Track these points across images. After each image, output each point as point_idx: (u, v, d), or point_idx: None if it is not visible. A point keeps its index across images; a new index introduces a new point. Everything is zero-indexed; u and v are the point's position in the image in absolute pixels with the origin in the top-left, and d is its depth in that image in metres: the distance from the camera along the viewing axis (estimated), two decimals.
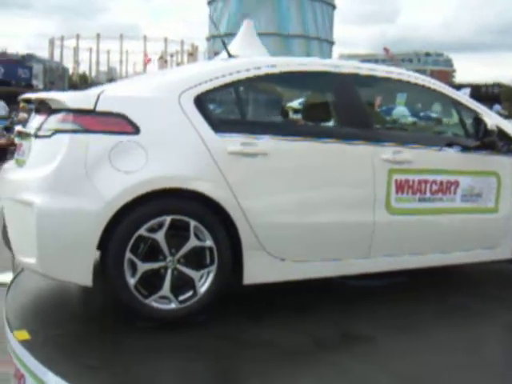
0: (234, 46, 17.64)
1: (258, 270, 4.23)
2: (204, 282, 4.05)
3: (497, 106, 46.96)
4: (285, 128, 4.60)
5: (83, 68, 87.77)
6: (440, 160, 4.92)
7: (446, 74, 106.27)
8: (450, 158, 4.95)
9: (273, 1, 69.32)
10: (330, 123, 5.01)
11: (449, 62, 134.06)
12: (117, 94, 4.26)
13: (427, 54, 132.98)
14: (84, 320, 4.19)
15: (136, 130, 3.94)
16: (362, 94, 4.93)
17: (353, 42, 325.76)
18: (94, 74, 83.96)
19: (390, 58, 54.73)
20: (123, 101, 4.11)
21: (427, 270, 5.06)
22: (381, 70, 5.11)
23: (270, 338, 3.94)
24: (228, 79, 4.34)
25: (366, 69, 5.01)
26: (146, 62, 49.41)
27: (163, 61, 59.36)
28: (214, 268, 4.05)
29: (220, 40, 6.06)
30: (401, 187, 4.66)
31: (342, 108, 4.78)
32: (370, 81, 5.16)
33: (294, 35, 70.25)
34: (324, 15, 75.29)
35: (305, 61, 5.03)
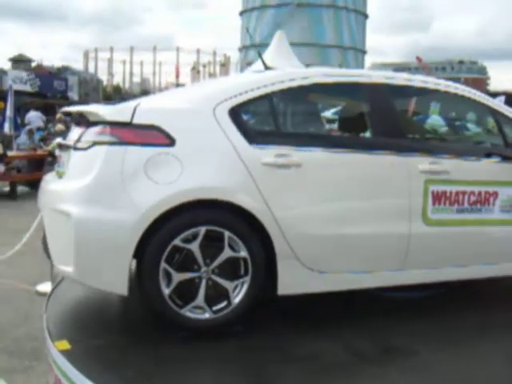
0: (266, 56, 17.67)
1: (292, 281, 4.25)
2: (238, 292, 4.09)
3: None
4: (319, 139, 4.58)
5: (117, 80, 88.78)
6: (478, 170, 4.86)
7: (480, 82, 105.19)
8: (489, 168, 4.89)
9: (307, 11, 69.45)
10: (365, 134, 4.97)
11: (483, 70, 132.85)
12: (152, 107, 4.34)
13: (461, 62, 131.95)
14: (124, 331, 4.25)
15: (171, 141, 4.00)
16: (397, 103, 4.93)
17: (386, 50, 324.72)
18: (127, 85, 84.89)
19: (422, 67, 54.37)
20: (158, 113, 4.18)
21: (467, 282, 5.00)
22: (416, 80, 5.07)
23: (313, 351, 3.96)
24: (262, 91, 4.38)
25: (400, 79, 5.00)
26: (177, 73, 49.89)
27: (196, 71, 59.74)
28: (248, 279, 4.08)
29: (253, 50, 6.10)
30: (438, 198, 4.62)
31: (376, 118, 4.75)
32: (405, 90, 5.10)
33: (329, 45, 70.28)
34: (358, 25, 75.23)
35: (337, 72, 5.08)
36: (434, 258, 4.71)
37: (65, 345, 3.81)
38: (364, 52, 79.38)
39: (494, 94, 34.98)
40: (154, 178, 3.90)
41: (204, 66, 66.47)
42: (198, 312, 4.03)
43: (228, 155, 4.08)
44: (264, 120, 4.75)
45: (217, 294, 4.05)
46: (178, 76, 53.24)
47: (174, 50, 73.73)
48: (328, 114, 10.07)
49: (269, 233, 4.09)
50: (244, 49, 72.59)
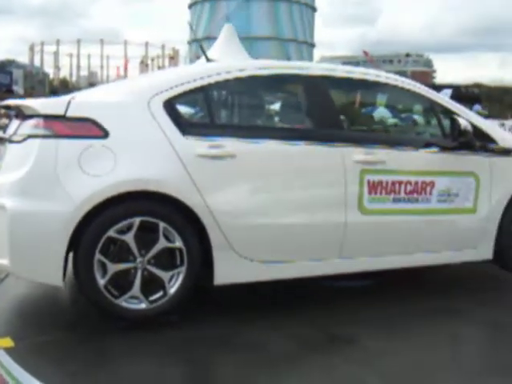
0: (214, 49, 17.67)
1: (228, 271, 4.31)
2: (174, 282, 4.14)
3: (477, 106, 47.23)
4: (254, 131, 4.62)
5: (64, 73, 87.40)
6: (415, 161, 4.92)
7: (426, 75, 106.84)
8: (426, 158, 4.96)
9: (248, 4, 69.36)
10: (301, 125, 5.03)
11: (429, 63, 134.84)
12: (87, 100, 4.38)
13: (407, 55, 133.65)
14: (68, 326, 4.24)
15: (105, 133, 4.03)
16: (334, 95, 4.95)
17: (334, 44, 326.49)
18: (74, 78, 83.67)
19: (369, 61, 55.02)
20: (93, 106, 4.21)
21: (408, 270, 5.09)
22: (356, 72, 5.12)
23: (256, 341, 4.01)
24: (198, 83, 4.42)
25: (338, 70, 5.06)
26: (125, 66, 49.35)
27: (144, 65, 59.13)
28: (183, 269, 4.14)
29: (202, 42, 6.13)
30: (374, 188, 4.67)
31: (312, 110, 4.81)
32: (343, 82, 5.13)
33: (266, 37, 70.21)
34: (303, 17, 75.39)
35: (274, 64, 5.06)
36: (372, 246, 4.79)
37: (8, 342, 3.81)
38: (312, 45, 79.71)
39: (440, 87, 35.51)
40: (87, 169, 3.93)
41: (152, 60, 65.86)
42: (134, 302, 4.07)
43: (162, 147, 4.12)
44: (199, 112, 4.79)
45: (153, 284, 4.10)
46: (126, 69, 52.61)
47: (122, 43, 72.76)
48: (277, 106, 10.12)
49: (203, 223, 4.15)
50: (193, 42, 72.23)
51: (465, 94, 55.80)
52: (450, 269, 5.65)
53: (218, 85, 4.62)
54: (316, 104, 4.79)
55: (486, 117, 39.34)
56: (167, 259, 4.12)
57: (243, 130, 4.61)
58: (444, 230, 5.07)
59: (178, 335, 4.06)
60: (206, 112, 4.59)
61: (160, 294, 4.12)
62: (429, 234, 5.01)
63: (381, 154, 4.71)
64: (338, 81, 5.04)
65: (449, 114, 5.12)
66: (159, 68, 69.11)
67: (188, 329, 4.16)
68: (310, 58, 76.03)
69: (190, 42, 71.71)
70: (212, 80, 4.48)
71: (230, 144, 4.27)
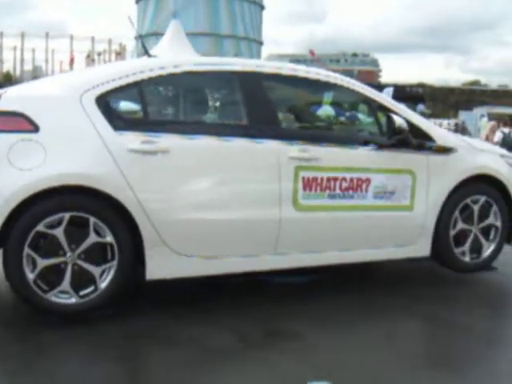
0: (162, 45, 17.50)
1: (160, 266, 4.33)
2: (105, 277, 4.15)
3: (421, 106, 47.96)
4: (188, 126, 4.63)
5: (7, 67, 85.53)
6: (351, 158, 4.94)
7: (372, 74, 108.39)
8: (362, 155, 4.99)
9: (203, 1, 69.12)
10: (236, 121, 5.01)
11: (375, 63, 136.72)
12: (18, 94, 4.36)
13: (354, 55, 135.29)
14: (4, 325, 4.21)
15: (35, 128, 4.02)
16: (269, 92, 4.95)
17: (282, 42, 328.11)
18: (18, 72, 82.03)
19: (315, 60, 55.63)
20: (23, 100, 4.20)
21: (349, 266, 5.15)
22: (287, 69, 5.12)
23: (194, 336, 4.01)
24: (131, 79, 4.42)
25: (271, 67, 5.05)
26: (70, 61, 48.61)
27: (90, 60, 58.33)
28: (114, 264, 4.15)
29: (149, 38, 6.12)
30: (308, 184, 4.70)
31: (246, 106, 4.77)
32: (276, 79, 5.11)
33: (224, 35, 70.18)
34: (252, 15, 75.43)
35: (210, 60, 5.09)
36: (308, 242, 4.82)
37: None
38: (260, 43, 79.80)
39: (383, 86, 35.97)
40: (16, 164, 3.91)
41: (99, 55, 64.91)
42: (64, 297, 4.06)
43: (93, 142, 4.12)
44: (133, 107, 4.80)
45: (84, 279, 4.10)
46: (71, 64, 51.83)
47: (68, 37, 71.48)
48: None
49: (135, 219, 4.16)
50: (140, 37, 71.56)
51: (409, 94, 56.74)
52: (389, 265, 5.72)
53: (152, 80, 4.60)
54: (251, 100, 4.77)
55: (430, 116, 40.13)
56: (98, 254, 4.13)
57: (177, 125, 4.65)
58: (381, 226, 5.11)
59: (116, 331, 4.06)
60: (140, 107, 4.61)
61: (91, 288, 4.12)
62: (365, 230, 5.05)
63: (316, 151, 4.74)
64: (272, 77, 5.02)
65: (386, 112, 5.14)
66: (105, 63, 68.39)
67: (125, 324, 4.16)
68: (259, 56, 76.12)
69: (136, 38, 71.07)
70: (145, 76, 4.48)
71: (163, 139, 4.28)
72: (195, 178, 4.42)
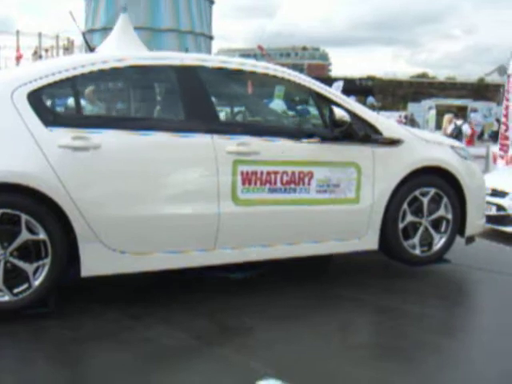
0: (110, 40, 17.29)
1: (95, 263, 4.32)
2: (39, 274, 4.13)
3: (370, 99, 48.55)
4: (122, 122, 4.60)
5: None
6: (292, 151, 4.90)
7: (322, 68, 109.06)
8: (304, 149, 4.94)
9: None
10: (173, 116, 5.02)
11: (325, 56, 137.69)
12: None
13: (304, 49, 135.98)
14: None
15: None
16: (210, 86, 4.92)
17: (232, 36, 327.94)
18: None
19: (264, 55, 55.98)
20: None
21: (302, 259, 5.12)
22: (233, 63, 5.13)
23: (147, 335, 3.99)
24: (65, 75, 4.39)
25: (214, 61, 5.02)
26: (18, 57, 47.72)
27: (38, 56, 57.30)
28: (48, 261, 4.13)
29: (97, 34, 6.06)
30: (247, 178, 4.68)
31: (185, 100, 4.74)
32: (219, 72, 5.06)
33: (165, 29, 69.69)
34: (200, 9, 75.12)
35: (152, 55, 5.08)
36: (249, 237, 4.80)
37: None
38: (210, 37, 79.55)
39: (334, 80, 36.25)
40: None
41: (46, 51, 63.76)
42: None
43: (23, 138, 4.09)
44: (66, 103, 4.77)
45: (17, 277, 4.08)
46: (18, 60, 50.90)
47: (14, 33, 70.13)
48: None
49: (67, 215, 4.14)
50: (88, 32, 70.67)
51: (358, 87, 57.36)
52: (341, 257, 5.69)
53: (84, 76, 4.55)
54: (189, 95, 4.74)
55: (380, 109, 40.57)
56: (31, 251, 4.11)
57: (111, 120, 4.62)
58: (325, 220, 5.09)
59: (60, 331, 4.02)
60: (73, 103, 4.59)
61: (25, 286, 4.10)
62: (309, 224, 5.02)
63: (256, 144, 4.72)
64: (214, 71, 4.99)
65: (330, 104, 5.07)
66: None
67: (75, 326, 4.13)
68: (209, 51, 75.85)
69: (86, 33, 70.24)
70: (77, 72, 4.44)
71: (94, 135, 4.26)
72: (128, 173, 4.38)
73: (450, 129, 19.70)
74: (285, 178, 4.83)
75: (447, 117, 22.43)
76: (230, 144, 4.64)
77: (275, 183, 4.79)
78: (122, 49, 14.91)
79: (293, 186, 4.87)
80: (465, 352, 4.02)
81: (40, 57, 61.22)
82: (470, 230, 5.77)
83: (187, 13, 72.62)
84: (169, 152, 4.53)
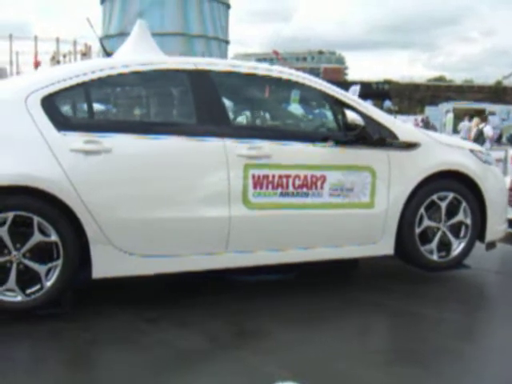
0: (127, 46, 17.46)
1: (106, 265, 4.39)
2: (51, 276, 4.22)
3: (387, 102, 48.46)
4: (133, 126, 4.65)
5: None
6: (304, 155, 4.90)
7: (338, 72, 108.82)
8: (317, 152, 4.94)
9: (162, 1, 68.99)
10: (185, 120, 5.04)
11: (341, 60, 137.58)
12: None
13: (320, 53, 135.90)
14: None
15: None
16: (221, 90, 4.93)
17: (248, 41, 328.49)
18: None
19: (280, 59, 56.34)
20: None
21: (322, 263, 5.12)
22: (244, 67, 5.11)
23: (164, 338, 4.02)
24: (78, 80, 4.48)
25: (224, 64, 5.06)
26: (36, 64, 48.13)
27: (56, 61, 57.73)
28: (60, 262, 4.22)
29: (116, 39, 6.13)
30: (259, 182, 4.68)
31: (195, 105, 4.76)
32: (230, 77, 5.07)
33: (195, 35, 70.11)
34: (220, 15, 75.45)
35: (160, 59, 5.10)
36: (261, 240, 4.80)
37: None
38: (227, 42, 79.79)
39: (351, 83, 36.21)
40: None
41: (64, 56, 64.22)
42: (11, 295, 4.14)
43: (36, 142, 4.19)
44: (79, 107, 4.86)
45: (30, 277, 4.18)
46: (36, 65, 51.35)
47: (32, 38, 70.63)
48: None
49: (79, 218, 4.23)
50: (106, 38, 71.18)
51: (375, 91, 57.20)
52: (363, 262, 5.68)
53: (98, 81, 4.61)
54: (200, 99, 4.76)
55: (396, 112, 40.36)
56: (43, 253, 4.20)
57: (121, 125, 4.65)
58: (339, 224, 5.05)
59: (82, 335, 4.06)
60: (86, 108, 4.68)
61: (37, 287, 4.20)
62: (322, 228, 5.00)
63: (268, 148, 4.72)
64: (226, 75, 5.01)
65: (346, 108, 5.04)
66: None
67: (91, 328, 4.18)
68: (224, 55, 76.07)
69: (102, 38, 70.76)
70: (91, 77, 4.52)
71: (106, 139, 4.33)
72: (139, 176, 4.43)
73: (472, 133, 19.72)
74: (297, 182, 4.82)
75: (475, 121, 22.46)
76: (241, 148, 4.66)
77: (287, 187, 4.79)
78: (139, 54, 15.08)
79: (305, 189, 4.86)
80: (485, 357, 3.99)
81: (58, 62, 61.73)
82: (490, 236, 5.68)
83: (211, 19, 72.82)
84: (179, 156, 4.58)
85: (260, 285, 5.22)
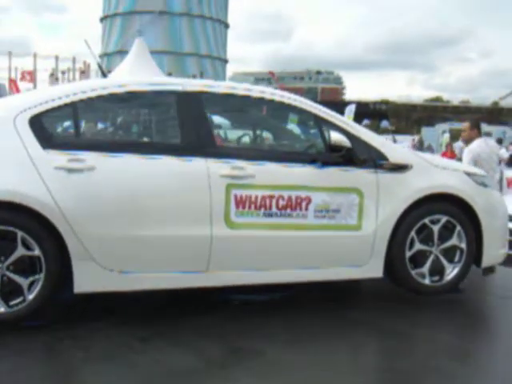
0: (126, 64, 17.56)
1: (88, 280, 4.50)
2: (33, 288, 4.37)
3: (385, 122, 48.63)
4: (117, 145, 4.75)
5: None
6: (289, 176, 4.89)
7: (335, 92, 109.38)
8: (302, 173, 4.93)
9: (165, 19, 69.56)
10: (169, 140, 5.12)
11: (339, 80, 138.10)
12: None
13: (318, 73, 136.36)
14: None
15: None
16: (209, 111, 5.06)
17: (247, 60, 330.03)
18: None
19: (275, 80, 56.88)
20: None
21: (312, 284, 5.15)
22: (239, 88, 5.19)
23: (158, 357, 4.04)
24: (65, 100, 4.63)
25: (221, 87, 5.12)
26: (30, 79, 48.35)
27: (54, 78, 57.98)
28: (42, 276, 4.36)
29: (115, 57, 6.27)
30: (241, 202, 4.72)
31: (182, 125, 4.82)
32: (223, 98, 5.17)
33: (186, 53, 70.56)
34: (216, 34, 75.91)
35: (151, 81, 5.18)
36: (242, 260, 4.82)
37: None
38: (225, 61, 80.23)
39: (348, 103, 36.42)
40: None
41: (63, 73, 64.49)
42: None
43: (21, 160, 4.34)
44: (66, 127, 5.01)
45: (13, 290, 4.32)
46: (31, 81, 51.53)
47: (31, 55, 70.79)
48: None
49: (61, 233, 4.37)
50: (105, 56, 71.71)
51: (372, 111, 57.51)
52: (357, 283, 5.66)
53: (84, 102, 4.73)
54: (186, 119, 4.83)
55: (394, 132, 40.51)
56: (26, 266, 4.34)
57: (106, 144, 4.77)
58: (325, 246, 5.03)
59: (74, 352, 4.11)
60: (72, 127, 4.81)
61: (20, 299, 4.34)
62: (306, 249, 4.98)
63: (251, 169, 4.75)
64: (214, 97, 5.07)
65: (331, 128, 5.09)
66: (70, 81, 68.01)
67: (84, 346, 4.21)
68: (224, 74, 76.51)
69: (101, 56, 71.13)
70: (78, 97, 4.67)
71: (90, 157, 4.46)
72: (122, 195, 4.52)
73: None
74: (281, 203, 4.83)
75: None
76: (224, 168, 4.70)
77: (271, 207, 4.81)
78: (135, 73, 15.20)
79: (289, 210, 4.85)
80: (476, 378, 4.02)
81: (56, 79, 61.98)
82: (487, 261, 5.54)
83: (204, 37, 73.30)
84: (162, 175, 4.64)
85: (254, 304, 5.24)
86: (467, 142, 8.42)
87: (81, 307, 4.96)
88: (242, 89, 5.24)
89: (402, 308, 5.28)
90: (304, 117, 5.56)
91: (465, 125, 8.43)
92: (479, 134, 8.25)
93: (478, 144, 8.06)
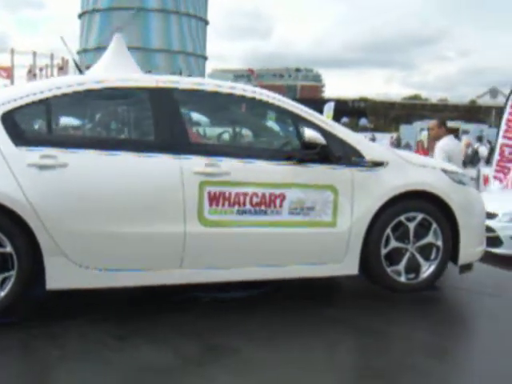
0: (104, 60, 17.50)
1: (60, 277, 4.46)
2: (5, 286, 4.32)
3: (363, 120, 48.81)
4: (90, 142, 4.72)
5: None
6: (264, 173, 4.87)
7: (315, 89, 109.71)
8: (277, 170, 4.91)
9: (140, 15, 69.31)
10: (143, 137, 5.11)
11: (318, 78, 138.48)
12: None
13: (297, 70, 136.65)
14: None
15: None
16: (183, 108, 5.02)
17: (227, 57, 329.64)
18: None
19: (254, 77, 57.03)
20: None
21: (289, 281, 5.18)
22: (209, 84, 5.13)
23: (135, 355, 4.01)
24: (38, 97, 4.58)
25: (187, 83, 5.10)
26: (8, 75, 47.97)
27: (32, 75, 57.48)
28: (14, 273, 4.32)
29: (92, 53, 6.21)
30: (215, 199, 4.70)
31: (156, 122, 4.79)
32: (192, 95, 5.12)
33: (156, 49, 70.30)
34: (192, 30, 75.71)
35: (127, 77, 5.14)
36: (216, 257, 4.81)
37: None
38: (204, 57, 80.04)
39: (327, 101, 36.48)
40: None
41: (41, 70, 63.94)
42: None
43: None
44: (38, 123, 4.96)
45: None
46: (8, 77, 51.08)
47: (9, 51, 70.15)
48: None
49: (33, 230, 4.32)
50: (83, 52, 71.21)
51: (351, 108, 57.63)
52: (333, 280, 5.65)
53: (57, 98, 4.68)
54: (160, 116, 4.80)
55: (372, 130, 40.66)
56: None
57: (78, 140, 4.77)
58: (299, 243, 5.02)
59: (50, 350, 4.07)
60: (45, 124, 4.75)
61: None
62: (281, 246, 4.97)
63: (226, 166, 4.74)
64: (187, 93, 5.06)
65: (306, 125, 5.08)
66: (48, 78, 67.48)
67: (60, 344, 4.16)
68: (203, 71, 76.34)
69: (79, 52, 70.68)
70: (51, 94, 4.62)
71: (62, 154, 4.42)
72: (94, 191, 4.49)
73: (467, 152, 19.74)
74: (255, 200, 4.81)
75: (465, 140, 22.57)
76: (198, 165, 4.68)
77: (244, 205, 4.79)
78: (111, 70, 15.14)
79: (263, 207, 4.84)
80: (453, 376, 4.03)
81: (34, 76, 61.43)
82: (464, 258, 5.55)
83: (179, 33, 73.03)
84: (134, 172, 4.61)
85: (231, 302, 5.22)
86: (435, 139, 8.82)
87: (54, 304, 4.89)
88: (213, 84, 5.17)
89: (378, 306, 5.24)
90: (279, 113, 5.54)
91: (433, 123, 8.87)
92: (446, 131, 8.69)
93: (447, 141, 8.50)
